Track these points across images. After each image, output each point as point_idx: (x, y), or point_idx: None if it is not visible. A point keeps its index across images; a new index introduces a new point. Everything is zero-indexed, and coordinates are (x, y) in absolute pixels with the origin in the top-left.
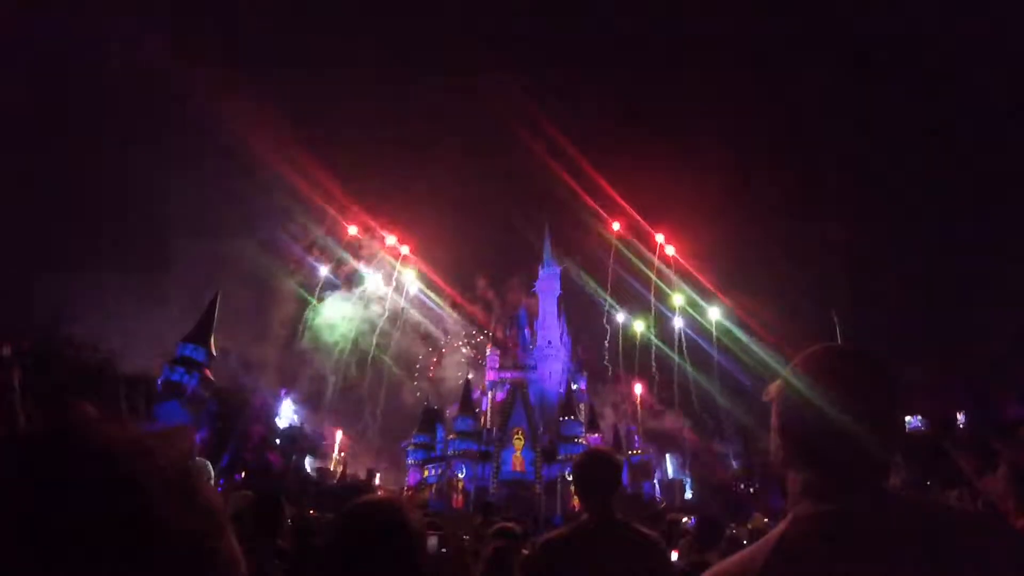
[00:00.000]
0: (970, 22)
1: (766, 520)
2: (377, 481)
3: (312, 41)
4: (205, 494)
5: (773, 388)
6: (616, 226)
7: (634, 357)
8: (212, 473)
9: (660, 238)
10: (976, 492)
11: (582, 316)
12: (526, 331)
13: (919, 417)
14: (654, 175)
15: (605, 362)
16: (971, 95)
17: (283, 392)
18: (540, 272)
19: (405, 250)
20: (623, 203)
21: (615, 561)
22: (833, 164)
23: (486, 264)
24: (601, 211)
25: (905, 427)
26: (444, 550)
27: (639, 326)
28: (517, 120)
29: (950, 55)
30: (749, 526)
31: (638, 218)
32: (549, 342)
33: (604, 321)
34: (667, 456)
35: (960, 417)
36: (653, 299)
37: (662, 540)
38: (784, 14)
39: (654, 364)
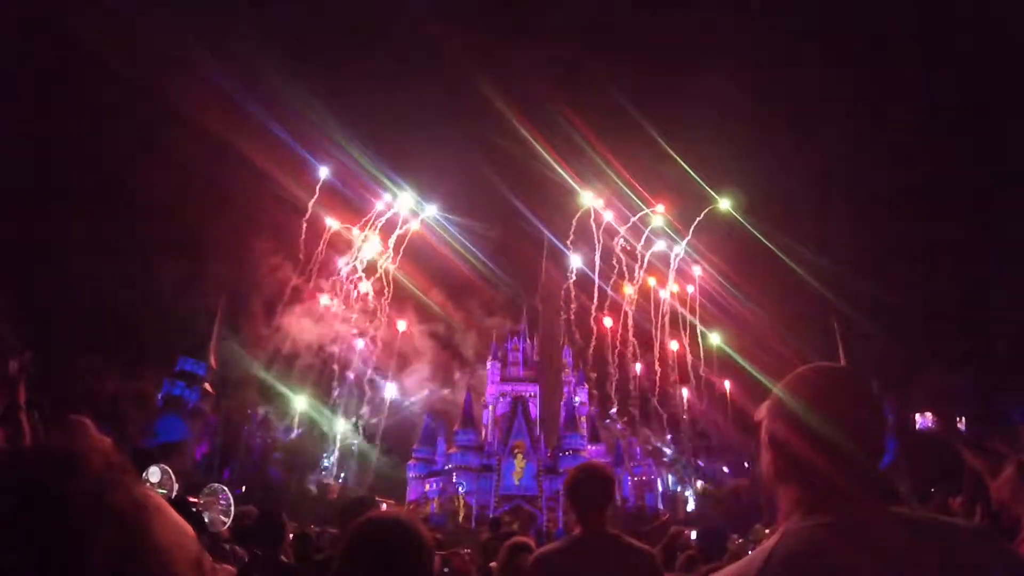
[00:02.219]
0: None
1: (767, 532)
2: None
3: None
4: (180, 521)
5: (763, 408)
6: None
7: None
8: (173, 475)
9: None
10: (977, 500)
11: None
12: (527, 344)
13: (928, 415)
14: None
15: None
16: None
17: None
18: (540, 284)
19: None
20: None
21: (607, 574)
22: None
23: (483, 274)
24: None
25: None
26: (446, 570)
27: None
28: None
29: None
30: (751, 538)
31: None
32: (550, 355)
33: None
34: (662, 472)
35: (961, 424)
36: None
37: (654, 552)
38: None
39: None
